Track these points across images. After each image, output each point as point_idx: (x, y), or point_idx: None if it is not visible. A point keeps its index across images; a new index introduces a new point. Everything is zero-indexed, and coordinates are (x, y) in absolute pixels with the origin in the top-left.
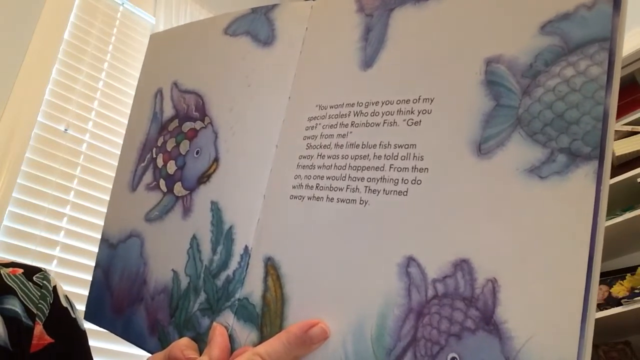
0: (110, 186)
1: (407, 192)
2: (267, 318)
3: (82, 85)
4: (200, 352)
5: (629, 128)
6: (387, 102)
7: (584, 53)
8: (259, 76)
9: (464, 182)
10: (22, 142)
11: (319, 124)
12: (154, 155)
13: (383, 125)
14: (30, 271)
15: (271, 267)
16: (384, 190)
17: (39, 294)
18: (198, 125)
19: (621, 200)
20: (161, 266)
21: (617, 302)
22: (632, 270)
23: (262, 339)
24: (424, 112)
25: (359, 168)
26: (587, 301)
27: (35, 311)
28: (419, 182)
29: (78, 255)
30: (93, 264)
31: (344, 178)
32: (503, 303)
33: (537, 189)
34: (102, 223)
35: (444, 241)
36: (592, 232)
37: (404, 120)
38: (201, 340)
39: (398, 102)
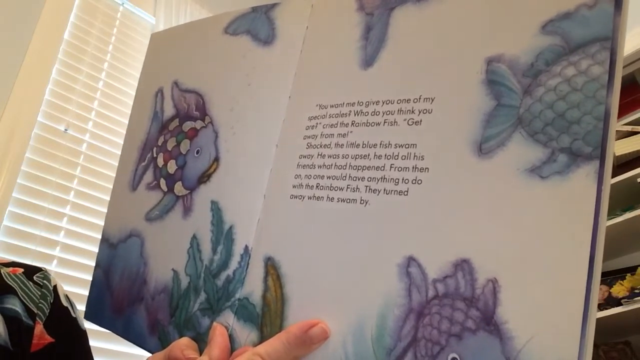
0: (111, 186)
1: (407, 191)
2: (267, 318)
3: (82, 85)
4: (201, 352)
5: (629, 128)
6: (388, 102)
7: (585, 52)
8: (259, 75)
9: (465, 182)
10: (22, 142)
11: (320, 123)
12: (155, 155)
13: (383, 125)
14: (30, 271)
15: (271, 267)
16: (384, 190)
17: (40, 293)
18: (198, 124)
19: (621, 200)
20: (161, 266)
21: (617, 302)
22: (632, 270)
23: (262, 339)
24: (425, 111)
25: (360, 168)
26: (588, 301)
27: (35, 311)
28: (419, 181)
29: (78, 255)
30: (93, 264)
31: (344, 178)
32: (504, 303)
33: (538, 188)
34: (102, 223)
35: (445, 241)
36: (593, 232)
37: (405, 119)
38: (201, 340)
39: (399, 101)
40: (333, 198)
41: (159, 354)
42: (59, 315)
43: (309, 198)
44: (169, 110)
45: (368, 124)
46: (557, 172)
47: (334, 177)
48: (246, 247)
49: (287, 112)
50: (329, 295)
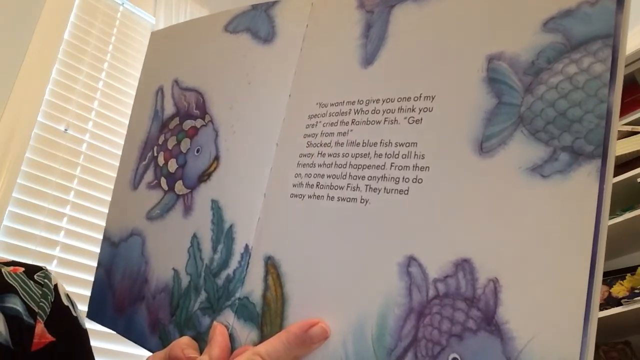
0: (111, 186)
1: (408, 190)
2: (267, 317)
3: (82, 85)
4: (201, 351)
5: (629, 128)
6: (388, 100)
7: (587, 50)
8: (259, 74)
9: (466, 181)
10: (22, 142)
11: (320, 122)
12: (155, 154)
13: (384, 123)
14: (31, 270)
15: (271, 266)
16: (384, 189)
17: (40, 292)
18: (199, 123)
19: (621, 200)
20: (162, 265)
21: (617, 302)
22: (632, 270)
23: (262, 338)
24: (425, 110)
25: (360, 166)
26: (590, 301)
27: (36, 310)
28: (420, 180)
29: (78, 255)
30: (93, 264)
31: (344, 176)
32: (505, 303)
33: (539, 187)
34: (102, 223)
35: (445, 240)
36: (594, 231)
37: (405, 118)
38: (202, 340)
39: (399, 99)
40: (333, 197)
41: (159, 353)
42: (60, 314)
43: (309, 197)
44: (169, 109)
45: (368, 123)
46: (558, 171)
47: (334, 176)
48: (246, 246)
49: (287, 111)
50: (329, 295)
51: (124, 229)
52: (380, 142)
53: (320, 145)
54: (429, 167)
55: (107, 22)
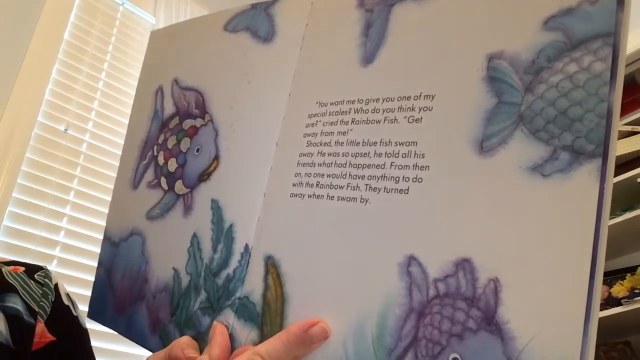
0: (111, 186)
1: (408, 190)
2: (267, 317)
3: (82, 85)
4: (201, 351)
5: (629, 128)
6: (388, 99)
7: (588, 49)
8: (259, 73)
9: (466, 180)
10: (22, 142)
11: (319, 121)
12: (155, 153)
13: (384, 123)
14: (31, 269)
15: (271, 266)
16: (384, 188)
17: (41, 292)
18: (198, 122)
19: (621, 200)
20: (162, 264)
21: (617, 302)
22: (632, 270)
23: (262, 338)
24: (425, 109)
25: (360, 166)
26: (590, 301)
27: (36, 309)
28: (420, 180)
29: (78, 255)
30: (93, 263)
31: (344, 176)
32: (505, 303)
33: (539, 187)
34: (102, 223)
35: (445, 240)
36: (595, 231)
37: (405, 117)
38: (202, 339)
39: (399, 98)
40: (333, 196)
41: (159, 352)
42: (60, 314)
43: (309, 196)
44: (169, 108)
45: (368, 122)
46: (559, 170)
47: (334, 176)
48: (246, 245)
49: (287, 110)
50: (329, 294)
51: (124, 229)
52: (380, 142)
53: (320, 144)
54: (429, 166)
55: (107, 22)
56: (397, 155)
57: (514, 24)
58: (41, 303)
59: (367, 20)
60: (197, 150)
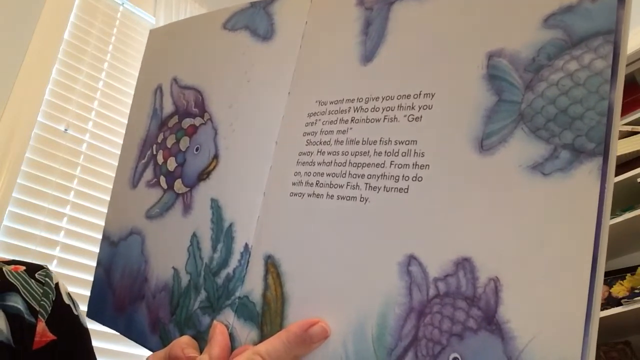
0: (111, 186)
1: (407, 189)
2: (267, 317)
3: (82, 85)
4: (201, 351)
5: (629, 128)
6: (388, 98)
7: (588, 46)
8: (258, 72)
9: (466, 179)
10: (22, 142)
11: (319, 120)
12: (154, 152)
13: (383, 121)
14: (32, 269)
15: (271, 265)
16: (384, 187)
17: (42, 291)
18: (197, 121)
19: (621, 200)
20: (162, 264)
21: (617, 302)
22: (632, 270)
23: (262, 337)
24: (425, 107)
25: (359, 165)
26: (591, 300)
27: (37, 308)
28: (419, 179)
29: (78, 255)
30: (93, 264)
31: (344, 175)
32: (505, 302)
33: (540, 186)
34: (102, 223)
35: (446, 239)
36: (596, 230)
37: (405, 115)
38: (202, 339)
39: (398, 97)
40: (333, 195)
41: (159, 352)
42: (61, 313)
43: (309, 195)
44: (168, 107)
45: (368, 121)
46: (559, 169)
47: (333, 175)
48: (246, 245)
49: (286, 109)
50: (329, 294)
51: (124, 228)
52: (380, 140)
53: (320, 143)
54: (429, 165)
55: (107, 22)
56: (396, 154)
57: (514, 22)
58: (42, 302)
59: (367, 18)
60: (197, 149)
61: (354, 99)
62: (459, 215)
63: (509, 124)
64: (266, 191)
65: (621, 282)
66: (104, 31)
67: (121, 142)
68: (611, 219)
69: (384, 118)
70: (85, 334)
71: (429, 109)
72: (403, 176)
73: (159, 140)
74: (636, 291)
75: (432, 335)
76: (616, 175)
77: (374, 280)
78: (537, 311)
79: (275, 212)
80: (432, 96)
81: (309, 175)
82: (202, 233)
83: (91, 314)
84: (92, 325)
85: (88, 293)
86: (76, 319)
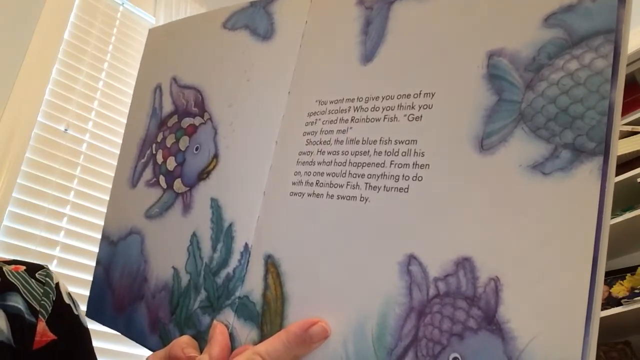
0: (110, 186)
1: (407, 188)
2: (267, 316)
3: (82, 85)
4: (201, 350)
5: (629, 128)
6: (388, 97)
7: (589, 46)
8: (258, 71)
9: (466, 179)
10: (22, 142)
11: (319, 119)
12: (154, 152)
13: (383, 121)
14: (32, 268)
15: (271, 265)
16: (384, 186)
17: (42, 290)
18: (197, 121)
19: (621, 200)
20: (162, 263)
21: (617, 302)
22: (632, 270)
23: (262, 337)
24: (425, 107)
25: (359, 164)
26: (592, 300)
27: (38, 308)
28: (419, 178)
29: (78, 255)
30: (93, 264)
31: (344, 174)
32: (506, 302)
33: (540, 185)
34: (102, 223)
35: (446, 239)
36: (596, 230)
37: (405, 115)
38: (202, 339)
39: (398, 96)
40: (333, 195)
41: (159, 352)
42: (62, 313)
43: (309, 195)
44: (167, 107)
45: (368, 120)
46: (559, 169)
47: (333, 174)
48: (246, 244)
49: (286, 108)
50: (329, 294)
51: (123, 228)
52: (380, 140)
53: (320, 143)
54: (429, 164)
55: (107, 22)
56: (397, 154)
57: (514, 21)
58: (42, 302)
59: (367, 17)
60: (196, 149)
61: (354, 99)
62: (459, 215)
63: (509, 124)
64: (266, 191)
65: (621, 282)
66: (104, 31)
67: (121, 142)
68: (611, 219)
69: (384, 118)
70: (85, 334)
71: (429, 108)
72: (403, 176)
73: (159, 140)
74: (636, 291)
75: (432, 335)
76: (616, 175)
77: (374, 280)
78: (538, 311)
79: (275, 211)
80: (432, 96)
81: (309, 175)
82: (202, 233)
83: (91, 314)
84: (92, 325)
85: (88, 293)
86: (76, 319)
